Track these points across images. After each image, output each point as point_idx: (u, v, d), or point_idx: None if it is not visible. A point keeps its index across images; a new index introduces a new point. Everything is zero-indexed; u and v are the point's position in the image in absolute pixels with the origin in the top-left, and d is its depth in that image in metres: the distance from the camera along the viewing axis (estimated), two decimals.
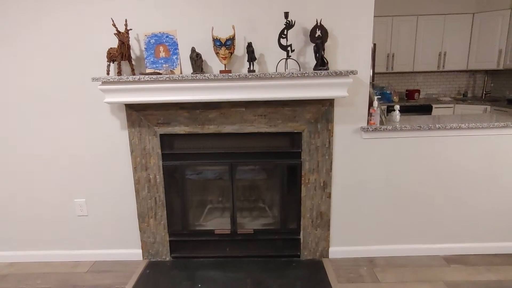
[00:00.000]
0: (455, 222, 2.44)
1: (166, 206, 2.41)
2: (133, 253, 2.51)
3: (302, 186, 2.35)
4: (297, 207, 2.41)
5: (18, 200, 2.45)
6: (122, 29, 2.13)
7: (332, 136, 2.26)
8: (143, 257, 2.51)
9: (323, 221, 2.42)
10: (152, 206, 2.40)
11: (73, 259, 2.55)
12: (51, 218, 2.48)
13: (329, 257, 2.48)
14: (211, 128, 2.25)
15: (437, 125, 2.22)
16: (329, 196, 2.37)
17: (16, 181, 2.41)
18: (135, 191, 2.38)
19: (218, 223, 2.57)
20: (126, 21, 2.05)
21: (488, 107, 4.40)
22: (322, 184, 2.35)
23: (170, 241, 2.47)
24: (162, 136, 2.29)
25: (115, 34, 2.01)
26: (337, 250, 2.48)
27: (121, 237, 2.50)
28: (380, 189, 2.39)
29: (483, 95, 5.05)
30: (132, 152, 2.31)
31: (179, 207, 2.43)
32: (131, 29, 2.09)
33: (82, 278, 2.32)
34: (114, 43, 2.15)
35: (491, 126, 2.22)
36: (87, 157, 2.36)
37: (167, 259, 2.50)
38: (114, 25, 2.01)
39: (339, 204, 2.41)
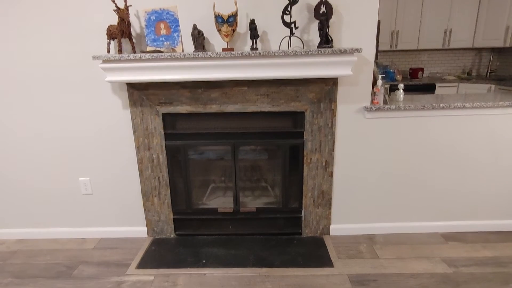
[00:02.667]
0: (454, 200, 2.47)
1: (170, 186, 2.44)
2: (138, 230, 2.57)
3: (304, 165, 2.36)
4: (299, 187, 2.43)
5: (26, 178, 2.48)
6: (121, 5, 2.08)
7: (335, 116, 2.25)
8: (148, 235, 2.57)
9: (325, 200, 2.45)
10: (156, 186, 2.43)
11: (80, 236, 2.61)
12: (57, 196, 2.52)
13: (330, 234, 2.54)
14: (213, 108, 2.24)
15: (441, 105, 2.21)
16: (331, 175, 2.39)
17: (22, 160, 2.43)
18: (139, 171, 2.40)
19: (221, 202, 2.61)
20: None
21: (493, 86, 4.34)
22: (324, 164, 2.36)
23: (174, 219, 2.52)
24: (164, 116, 2.29)
25: (114, 10, 1.96)
26: (338, 228, 2.53)
27: (126, 215, 2.55)
28: (382, 168, 2.40)
29: (488, 73, 4.98)
30: (134, 131, 2.31)
31: (182, 186, 2.46)
32: (130, 5, 2.04)
33: (89, 254, 2.38)
34: (114, 20, 2.10)
35: (495, 105, 2.21)
36: (90, 136, 2.36)
37: (172, 236, 2.56)
38: (113, 1, 1.95)
39: (341, 183, 2.44)
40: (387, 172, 2.41)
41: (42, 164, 2.44)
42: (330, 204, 2.47)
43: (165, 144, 2.34)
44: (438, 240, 2.43)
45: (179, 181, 2.45)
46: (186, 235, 2.56)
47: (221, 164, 2.67)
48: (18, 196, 2.53)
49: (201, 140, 2.35)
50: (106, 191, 2.50)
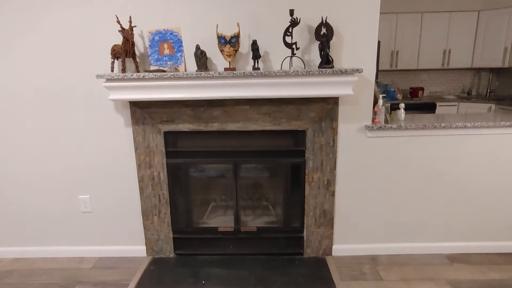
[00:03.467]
0: (458, 220, 2.44)
1: (170, 204, 2.42)
2: (137, 249, 2.53)
3: (306, 184, 2.35)
4: (300, 206, 2.41)
5: (24, 196, 2.46)
6: (126, 26, 2.12)
7: (336, 134, 2.26)
8: (147, 254, 2.53)
9: (327, 219, 2.42)
10: (156, 204, 2.41)
11: (78, 255, 2.57)
12: (56, 214, 2.50)
13: (332, 254, 2.49)
14: (215, 126, 2.25)
15: (442, 124, 2.21)
16: (333, 194, 2.37)
17: (21, 177, 2.42)
18: (139, 189, 2.39)
19: (222, 221, 2.58)
20: (130, 18, 2.05)
21: (493, 106, 4.37)
22: (326, 183, 2.35)
23: (174, 238, 2.48)
24: (166, 134, 2.30)
25: (119, 31, 2.01)
26: (340, 248, 2.49)
27: (125, 234, 2.52)
28: (384, 188, 2.39)
29: (488, 93, 5.02)
30: (136, 149, 2.31)
31: (182, 204, 2.44)
32: (135, 26, 2.09)
33: (87, 274, 2.34)
34: (118, 40, 2.14)
35: (496, 125, 2.21)
36: (91, 154, 2.37)
37: (171, 256, 2.52)
38: (118, 22, 2.00)
39: (343, 203, 2.42)
40: (390, 191, 2.39)
41: (41, 181, 2.43)
42: (332, 224, 2.44)
43: (166, 162, 2.33)
44: (443, 262, 2.38)
45: (180, 200, 2.43)
46: (185, 255, 2.51)
47: (222, 182, 2.65)
48: (15, 214, 2.50)
49: (202, 158, 2.35)
50: (106, 209, 2.47)
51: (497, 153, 2.30)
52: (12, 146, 2.37)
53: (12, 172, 2.41)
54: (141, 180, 2.37)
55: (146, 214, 2.44)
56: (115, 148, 2.35)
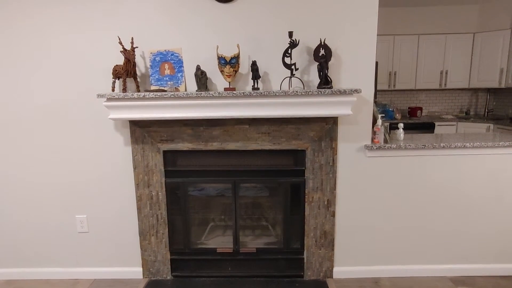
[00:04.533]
0: (461, 242, 2.39)
1: (168, 224, 2.38)
2: (134, 271, 2.47)
3: (306, 204, 2.32)
4: (300, 226, 2.37)
5: (19, 215, 2.42)
6: (128, 47, 2.16)
7: (336, 154, 2.25)
8: (143, 276, 2.46)
9: (327, 240, 2.38)
10: (154, 224, 2.38)
11: (72, 277, 2.50)
12: (51, 234, 2.45)
13: (333, 277, 2.43)
14: (214, 145, 2.25)
15: (441, 144, 2.21)
16: (333, 215, 2.34)
17: (18, 196, 2.40)
18: (137, 208, 2.36)
19: (220, 242, 2.53)
20: (132, 39, 2.08)
21: (491, 126, 4.39)
22: (326, 203, 2.32)
23: (171, 259, 2.43)
24: (165, 153, 2.29)
25: (121, 51, 2.04)
26: (342, 270, 2.43)
27: (121, 255, 2.46)
28: (385, 208, 2.36)
29: (486, 113, 5.06)
30: (135, 168, 2.30)
31: (180, 225, 2.40)
32: (137, 47, 2.12)
33: None
34: (120, 60, 2.18)
35: (495, 145, 2.21)
36: (89, 172, 2.35)
37: (168, 278, 2.45)
38: (120, 43, 2.04)
39: (344, 223, 2.38)
40: (391, 212, 2.36)
41: (38, 200, 2.40)
42: (333, 245, 2.39)
43: (165, 181, 2.31)
44: (447, 285, 2.32)
45: (178, 219, 2.40)
46: (183, 277, 2.45)
47: (221, 202, 2.62)
48: (9, 234, 2.46)
49: (202, 178, 2.33)
50: (102, 229, 2.43)
51: (497, 173, 2.29)
52: (10, 163, 2.35)
53: (7, 190, 2.39)
54: (139, 199, 2.34)
55: (143, 234, 2.40)
56: (114, 167, 2.33)
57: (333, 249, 2.39)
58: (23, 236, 2.46)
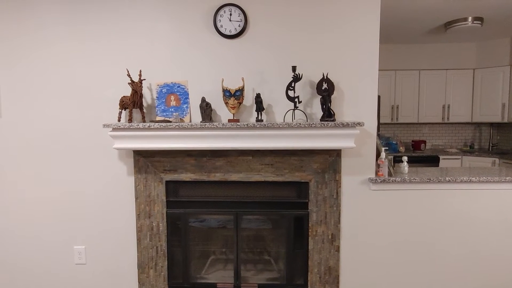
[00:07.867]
0: (470, 279, 2.29)
1: (168, 256, 2.31)
2: None
3: (310, 238, 2.26)
4: (304, 261, 2.29)
5: (16, 246, 2.38)
6: (136, 79, 2.22)
7: (340, 186, 2.23)
8: None
9: (332, 276, 2.29)
10: (153, 256, 2.31)
11: None
12: (47, 266, 2.38)
13: None
14: (217, 176, 2.24)
15: (446, 178, 2.18)
16: (338, 249, 2.27)
17: (17, 225, 2.36)
18: (137, 240, 2.31)
19: (221, 276, 2.44)
20: (140, 71, 2.15)
21: (497, 160, 4.35)
22: (330, 237, 2.26)
23: None
24: (167, 183, 2.28)
25: (129, 83, 2.10)
26: None
27: None
28: (390, 243, 2.29)
29: (490, 147, 5.04)
30: (136, 198, 2.28)
31: (180, 257, 2.33)
32: (144, 79, 2.18)
33: None
34: (127, 91, 2.23)
35: (502, 180, 2.18)
36: (90, 202, 2.33)
37: None
38: (129, 75, 2.10)
39: (349, 259, 2.30)
40: (397, 247, 2.29)
41: (36, 230, 2.36)
42: (338, 282, 2.30)
43: (166, 212, 2.28)
44: None
45: (178, 252, 2.33)
46: None
47: (223, 234, 2.56)
48: (5, 265, 2.39)
49: (203, 209, 2.30)
50: (100, 261, 2.37)
51: (505, 208, 2.23)
52: (9, 191, 2.34)
53: (5, 219, 2.36)
54: (139, 230, 2.30)
55: (142, 267, 2.33)
56: (115, 196, 2.32)
57: (338, 286, 2.30)
58: (20, 268, 2.39)
